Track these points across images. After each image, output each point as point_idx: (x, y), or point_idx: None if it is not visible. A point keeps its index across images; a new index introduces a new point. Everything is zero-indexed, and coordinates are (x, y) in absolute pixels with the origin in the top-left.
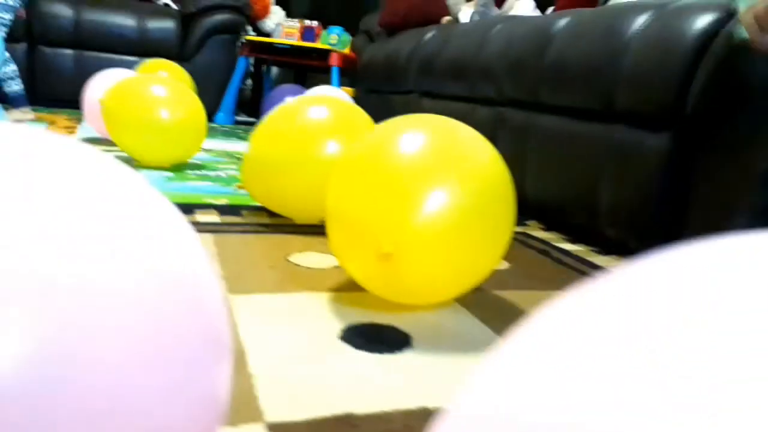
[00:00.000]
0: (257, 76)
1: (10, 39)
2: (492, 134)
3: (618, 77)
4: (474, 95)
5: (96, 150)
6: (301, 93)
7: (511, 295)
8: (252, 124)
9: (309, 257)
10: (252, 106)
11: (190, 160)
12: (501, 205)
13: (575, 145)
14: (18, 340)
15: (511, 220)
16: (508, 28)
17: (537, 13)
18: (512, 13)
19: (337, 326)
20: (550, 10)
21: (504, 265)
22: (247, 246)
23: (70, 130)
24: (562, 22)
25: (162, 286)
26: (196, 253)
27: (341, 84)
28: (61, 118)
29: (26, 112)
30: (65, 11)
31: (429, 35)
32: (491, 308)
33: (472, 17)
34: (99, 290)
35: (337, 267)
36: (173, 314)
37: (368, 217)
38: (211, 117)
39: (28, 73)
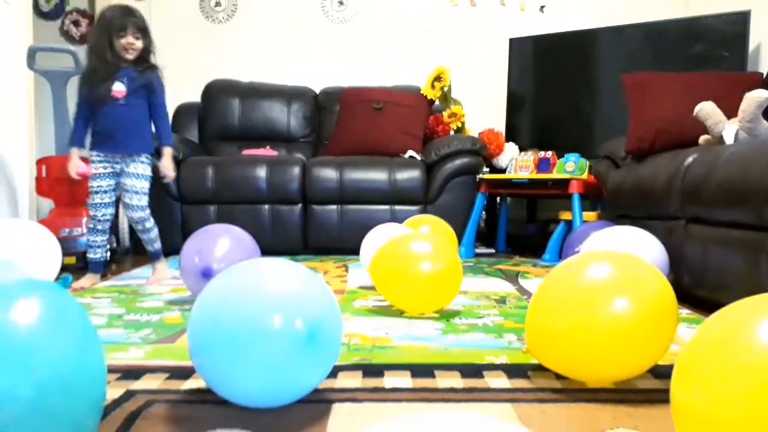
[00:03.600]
0: (491, 208)
1: (289, 202)
2: None
3: None
4: (763, 223)
5: None
6: (608, 227)
7: None
8: (490, 255)
9: None
10: (488, 238)
11: (451, 306)
12: None
13: None
14: None
15: None
16: None
17: None
18: None
19: None
20: None
21: None
22: (551, 420)
23: (342, 278)
24: None
25: None
26: None
27: (583, 209)
28: (330, 265)
29: (92, 279)
30: (331, 174)
31: (691, 158)
32: None
33: (737, 135)
34: None
35: None
36: None
37: None
38: None
39: (302, 229)
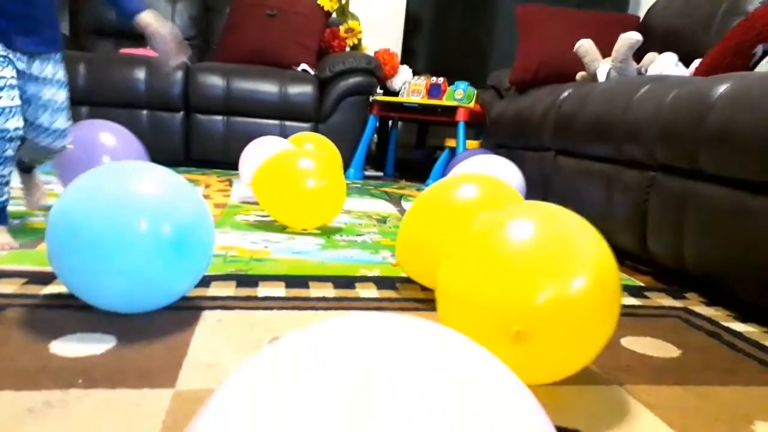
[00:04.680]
0: (383, 132)
1: (170, 108)
2: (643, 198)
3: None
4: (620, 157)
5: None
6: (486, 155)
7: (696, 393)
8: (379, 178)
9: None
10: (378, 161)
11: (333, 224)
12: (611, 280)
13: (747, 217)
14: None
15: (619, 299)
16: (657, 90)
17: (681, 67)
18: (653, 67)
19: None
20: (695, 63)
21: (674, 352)
22: None
23: (225, 192)
24: (722, 87)
25: None
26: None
27: (467, 137)
28: (213, 179)
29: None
30: (217, 81)
31: (566, 93)
32: (682, 410)
33: (609, 74)
34: None
35: None
36: None
37: (493, 297)
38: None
39: (183, 139)
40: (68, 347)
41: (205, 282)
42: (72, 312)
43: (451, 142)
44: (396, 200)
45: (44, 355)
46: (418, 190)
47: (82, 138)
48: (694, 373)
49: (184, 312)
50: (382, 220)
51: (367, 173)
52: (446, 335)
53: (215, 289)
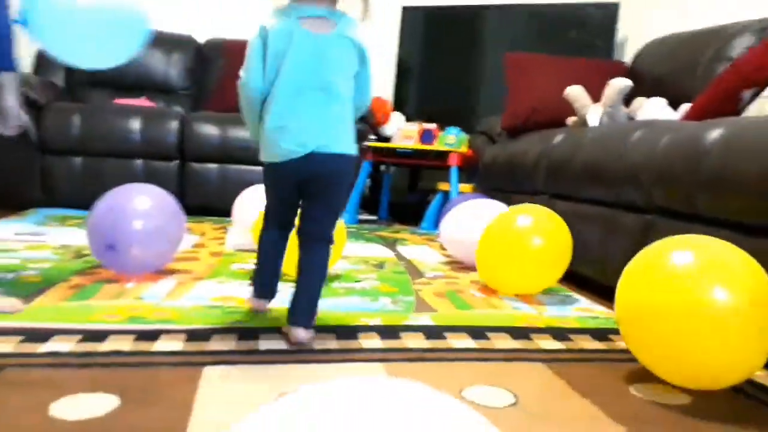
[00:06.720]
0: (376, 176)
1: (165, 158)
2: (642, 241)
3: None
4: (616, 200)
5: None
6: (481, 199)
7: None
8: (373, 222)
9: (484, 392)
10: (371, 205)
11: (331, 270)
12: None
13: None
14: None
15: None
16: (650, 134)
17: (669, 111)
18: (641, 112)
19: None
20: (682, 107)
21: (685, 399)
22: (417, 378)
23: (220, 240)
24: (716, 132)
25: None
26: None
27: (460, 181)
28: (207, 227)
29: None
30: (213, 131)
31: (559, 137)
32: None
33: (601, 119)
34: None
35: (513, 405)
36: None
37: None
38: None
39: (179, 187)
40: (69, 409)
41: (205, 336)
42: (71, 370)
43: (444, 186)
44: (391, 244)
45: (44, 420)
46: (412, 233)
47: (114, 203)
48: (708, 423)
49: (185, 368)
50: (380, 265)
51: (361, 217)
52: (434, 399)
53: (216, 343)
